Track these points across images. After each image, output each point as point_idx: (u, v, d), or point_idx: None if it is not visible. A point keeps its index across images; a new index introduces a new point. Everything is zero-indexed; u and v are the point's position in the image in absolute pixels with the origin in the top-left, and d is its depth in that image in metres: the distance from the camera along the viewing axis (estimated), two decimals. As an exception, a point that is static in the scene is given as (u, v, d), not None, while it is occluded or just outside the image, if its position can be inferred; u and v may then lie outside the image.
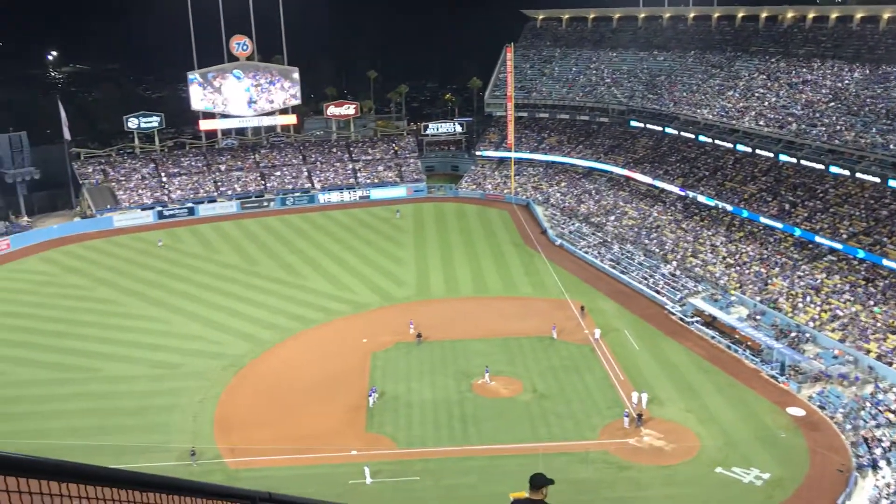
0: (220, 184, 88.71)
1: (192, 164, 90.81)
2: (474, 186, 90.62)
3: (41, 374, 47.88)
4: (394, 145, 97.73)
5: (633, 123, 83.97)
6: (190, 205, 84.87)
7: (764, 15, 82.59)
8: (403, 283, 63.63)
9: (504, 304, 58.17)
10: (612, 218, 74.25)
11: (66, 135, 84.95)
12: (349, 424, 41.84)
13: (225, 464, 38.17)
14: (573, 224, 75.64)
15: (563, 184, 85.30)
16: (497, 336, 52.03)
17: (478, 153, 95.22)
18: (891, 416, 39.89)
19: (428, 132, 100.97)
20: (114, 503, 2.70)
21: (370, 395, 43.79)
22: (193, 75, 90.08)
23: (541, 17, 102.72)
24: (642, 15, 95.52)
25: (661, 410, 42.44)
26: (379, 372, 47.77)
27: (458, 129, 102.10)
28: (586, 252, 68.63)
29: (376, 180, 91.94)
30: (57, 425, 40.96)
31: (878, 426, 39.29)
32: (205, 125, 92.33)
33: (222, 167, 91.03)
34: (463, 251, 70.99)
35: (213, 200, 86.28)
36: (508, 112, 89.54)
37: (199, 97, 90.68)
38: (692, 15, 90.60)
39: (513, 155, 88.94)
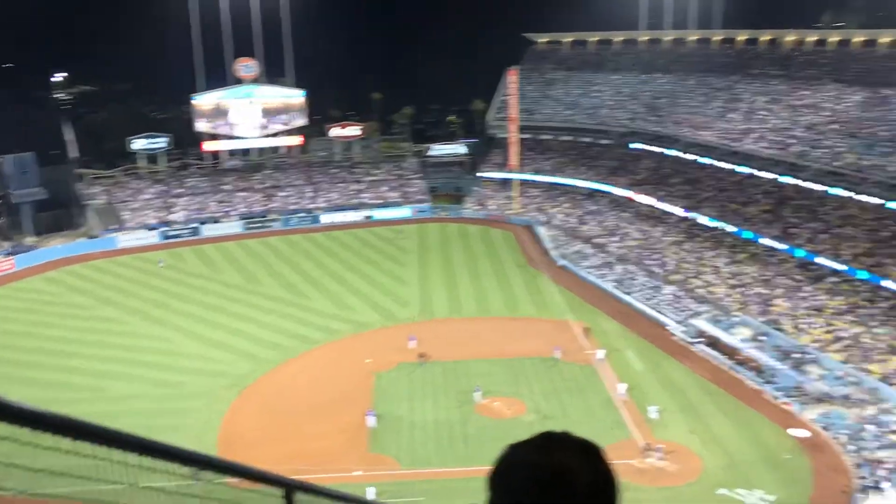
0: (224, 204, 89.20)
1: (197, 184, 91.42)
2: (478, 207, 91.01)
3: (47, 394, 47.95)
4: (398, 166, 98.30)
5: (635, 146, 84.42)
6: (194, 225, 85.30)
7: (765, 38, 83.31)
8: (406, 303, 63.84)
9: (507, 325, 58.30)
10: (615, 239, 74.52)
11: (73, 155, 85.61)
12: (353, 444, 41.93)
13: (228, 484, 38.19)
14: (576, 245, 75.91)
15: (565, 205, 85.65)
16: (500, 357, 52.10)
17: (480, 174, 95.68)
18: (894, 437, 39.93)
19: (432, 153, 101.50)
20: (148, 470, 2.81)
21: (369, 417, 43.84)
22: (198, 97, 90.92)
23: (543, 40, 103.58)
24: (644, 38, 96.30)
25: (664, 432, 42.46)
26: (382, 392, 47.88)
27: (463, 150, 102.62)
28: (589, 272, 68.85)
29: (380, 201, 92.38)
30: (65, 445, 40.96)
31: (881, 447, 39.32)
32: (208, 146, 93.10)
33: (227, 187, 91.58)
34: (466, 271, 71.21)
35: (217, 221, 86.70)
36: (511, 134, 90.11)
37: (203, 119, 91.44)
38: (693, 38, 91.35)
39: (516, 176, 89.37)
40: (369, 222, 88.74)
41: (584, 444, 2.17)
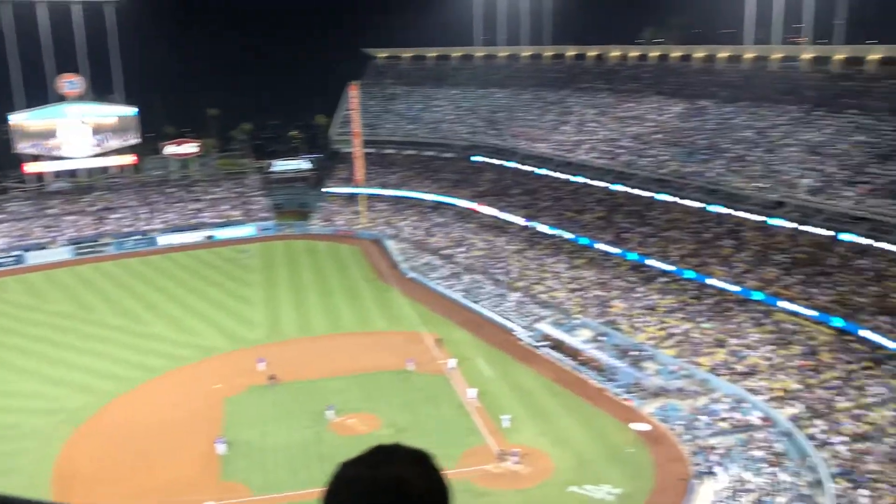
0: (51, 229, 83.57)
1: (19, 209, 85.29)
2: (325, 223, 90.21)
3: None
4: (239, 183, 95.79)
5: (476, 158, 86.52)
6: (17, 253, 79.41)
7: (591, 53, 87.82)
8: (254, 324, 62.20)
9: (359, 340, 58.02)
10: (462, 249, 75.99)
11: None
12: (203, 474, 40.28)
13: (66, 528, 35.68)
14: (424, 257, 76.75)
15: (412, 217, 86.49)
16: (353, 373, 51.78)
17: (326, 190, 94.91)
18: (723, 424, 43.00)
19: (274, 169, 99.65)
20: None
21: (218, 444, 42.28)
22: (16, 116, 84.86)
23: (383, 55, 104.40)
24: (479, 54, 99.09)
25: (517, 436, 43.58)
26: (232, 418, 46.34)
27: (306, 165, 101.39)
28: (438, 284, 69.80)
29: (222, 220, 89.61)
30: None
31: (713, 435, 42.23)
32: (31, 168, 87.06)
33: (53, 211, 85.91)
34: (315, 288, 70.32)
35: (43, 247, 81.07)
36: (355, 148, 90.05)
37: (24, 139, 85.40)
38: (526, 53, 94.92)
39: (362, 190, 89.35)
40: (211, 242, 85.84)
41: (416, 454, 2.18)
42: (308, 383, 50.57)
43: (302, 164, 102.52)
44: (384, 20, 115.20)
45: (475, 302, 64.75)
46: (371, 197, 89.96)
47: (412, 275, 72.91)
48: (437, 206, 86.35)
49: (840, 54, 64.92)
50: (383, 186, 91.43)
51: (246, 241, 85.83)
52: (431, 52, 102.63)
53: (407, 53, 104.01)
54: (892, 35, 71.21)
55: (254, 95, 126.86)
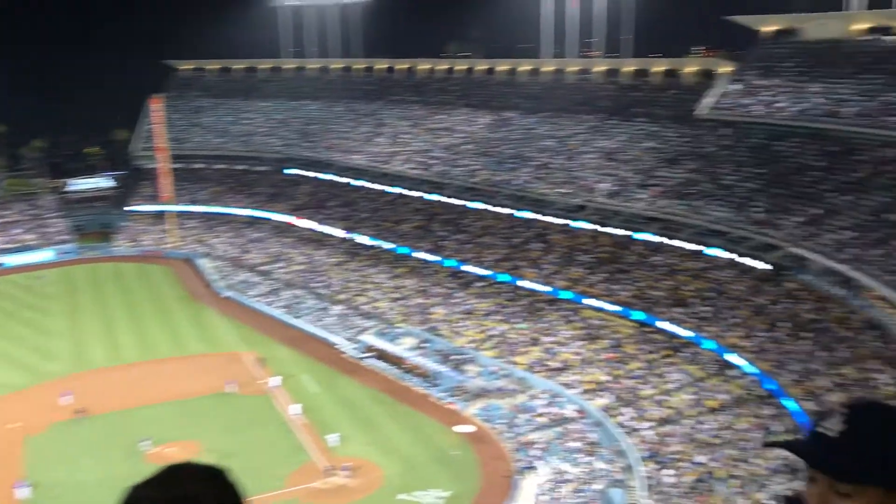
0: None
1: None
2: (131, 243, 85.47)
3: None
4: (32, 205, 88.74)
5: (291, 171, 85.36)
6: None
7: (401, 66, 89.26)
8: (56, 356, 57.77)
9: (175, 365, 55.47)
10: (280, 265, 74.61)
11: None
12: (3, 524, 36.91)
13: None
14: (241, 274, 74.62)
15: (226, 234, 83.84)
16: (170, 399, 49.42)
17: (130, 208, 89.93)
18: (541, 419, 45.08)
19: (71, 189, 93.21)
20: None
21: (19, 489, 38.88)
22: None
23: (187, 67, 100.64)
24: (289, 66, 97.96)
25: (344, 448, 43.37)
26: (35, 458, 42.78)
27: (107, 183, 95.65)
28: (257, 301, 68.12)
29: (14, 245, 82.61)
30: None
31: (532, 430, 44.15)
32: None
33: None
34: (124, 313, 66.40)
35: None
36: (161, 164, 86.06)
37: None
38: (337, 66, 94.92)
39: (170, 208, 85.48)
40: (1, 270, 78.87)
41: (209, 470, 2.19)
42: (121, 414, 47.68)
43: (102, 182, 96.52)
44: (187, 32, 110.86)
45: (297, 317, 63.81)
46: (180, 214, 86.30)
47: (228, 293, 70.68)
48: (253, 222, 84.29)
49: (629, 67, 70.17)
50: (193, 203, 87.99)
51: (43, 266, 79.60)
52: (239, 65, 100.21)
53: (213, 65, 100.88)
54: (672, 49, 77.99)
55: (46, 110, 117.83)
